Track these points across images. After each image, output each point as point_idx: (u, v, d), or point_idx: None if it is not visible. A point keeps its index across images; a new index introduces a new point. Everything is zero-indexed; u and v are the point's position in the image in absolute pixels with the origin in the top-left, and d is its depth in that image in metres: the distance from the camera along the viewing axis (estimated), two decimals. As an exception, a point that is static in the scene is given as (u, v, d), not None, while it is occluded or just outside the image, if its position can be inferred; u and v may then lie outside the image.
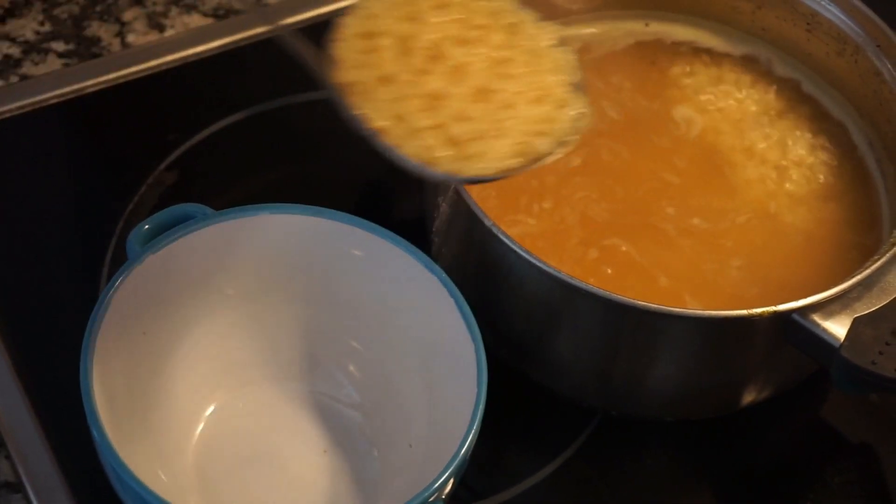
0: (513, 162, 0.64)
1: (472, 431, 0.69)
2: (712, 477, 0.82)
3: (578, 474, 0.80)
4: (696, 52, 0.91)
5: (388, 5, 0.66)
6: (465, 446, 0.69)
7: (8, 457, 0.77)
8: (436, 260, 0.75)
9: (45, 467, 0.76)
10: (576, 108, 0.65)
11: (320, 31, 0.71)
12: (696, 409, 0.80)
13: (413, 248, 0.75)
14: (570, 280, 0.72)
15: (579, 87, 0.66)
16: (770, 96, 0.89)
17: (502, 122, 0.64)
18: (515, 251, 0.72)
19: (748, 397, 0.79)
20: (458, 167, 0.63)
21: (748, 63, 0.90)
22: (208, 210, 0.76)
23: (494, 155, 0.63)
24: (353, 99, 0.64)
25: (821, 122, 0.88)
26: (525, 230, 0.80)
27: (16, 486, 0.76)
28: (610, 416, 0.82)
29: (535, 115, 0.64)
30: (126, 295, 0.72)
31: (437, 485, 0.67)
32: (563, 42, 0.66)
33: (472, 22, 0.66)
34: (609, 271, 0.79)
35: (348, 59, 0.65)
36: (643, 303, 0.71)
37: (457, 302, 0.73)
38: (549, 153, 0.65)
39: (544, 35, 0.67)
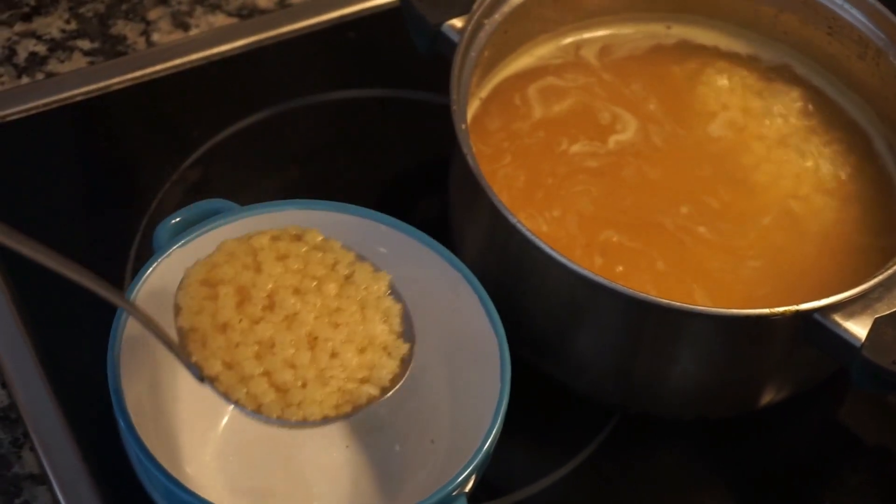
0: (334, 410, 0.68)
1: (496, 427, 0.70)
2: (730, 476, 0.82)
3: (597, 473, 0.80)
4: (718, 55, 0.91)
5: (232, 255, 0.70)
6: (488, 442, 0.69)
7: (33, 449, 0.77)
8: (458, 256, 0.75)
9: (69, 459, 0.77)
10: (399, 354, 0.69)
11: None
12: (715, 408, 0.81)
13: (437, 244, 0.75)
14: (592, 277, 0.72)
15: (405, 335, 0.70)
16: (790, 99, 0.89)
17: (326, 370, 0.68)
18: (538, 247, 0.73)
19: (766, 397, 0.79)
20: (285, 413, 0.67)
21: (769, 67, 0.91)
22: (235, 205, 0.76)
23: (316, 401, 0.67)
24: (190, 345, 0.68)
25: (841, 125, 0.88)
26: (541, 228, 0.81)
27: (41, 479, 0.77)
28: (629, 415, 0.82)
29: (358, 363, 0.68)
30: (153, 288, 0.72)
31: (458, 480, 0.68)
32: (394, 290, 0.71)
33: (309, 273, 0.70)
34: (620, 269, 0.79)
35: (190, 306, 0.68)
36: (666, 300, 0.72)
37: (481, 298, 0.73)
38: (375, 397, 0.68)
39: (377, 285, 0.71)
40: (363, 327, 0.69)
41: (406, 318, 0.71)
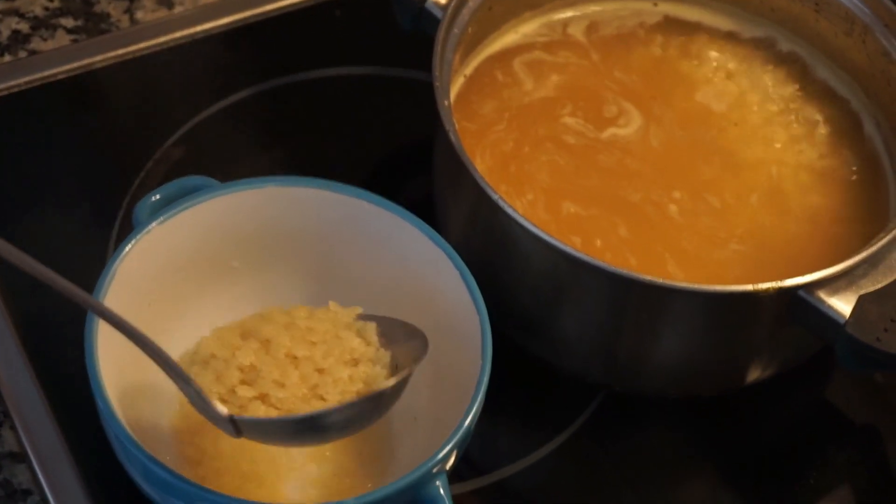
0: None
1: (476, 404, 0.69)
2: (715, 454, 0.82)
3: (582, 451, 0.80)
4: (704, 31, 0.91)
5: None
6: (469, 419, 0.69)
7: (13, 427, 0.77)
8: (442, 235, 0.75)
9: (49, 438, 0.76)
10: (384, 362, 0.70)
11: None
12: (700, 386, 0.80)
13: (420, 221, 0.75)
14: (575, 254, 0.72)
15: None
16: (777, 77, 0.89)
17: (318, 387, 0.69)
18: (521, 224, 0.73)
19: (752, 375, 0.79)
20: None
21: (756, 44, 0.90)
22: (216, 182, 0.76)
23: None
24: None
25: (828, 102, 0.88)
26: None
27: (20, 457, 0.76)
28: (614, 393, 0.82)
29: (350, 376, 0.69)
30: (132, 265, 0.72)
31: (439, 457, 0.67)
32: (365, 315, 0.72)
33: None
34: (608, 255, 0.78)
35: None
36: (648, 277, 0.72)
37: (462, 275, 0.73)
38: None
39: (347, 311, 0.72)
40: (340, 343, 0.70)
41: (386, 333, 0.71)
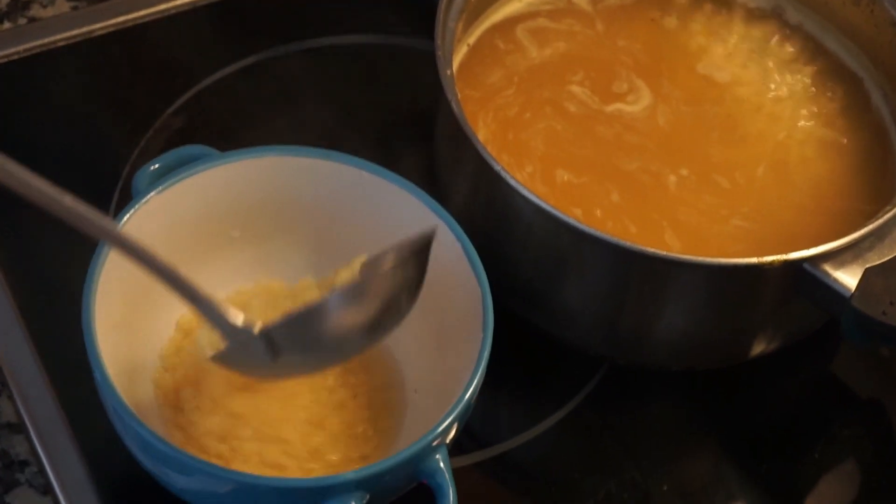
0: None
1: (477, 376, 0.69)
2: (719, 428, 0.81)
3: (585, 423, 0.80)
4: (709, 1, 0.89)
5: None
6: (469, 392, 0.68)
7: (11, 397, 0.77)
8: (444, 206, 0.74)
9: (47, 408, 0.76)
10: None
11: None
12: (704, 359, 0.80)
13: (421, 192, 0.74)
14: (578, 226, 0.71)
15: None
16: (784, 47, 0.88)
17: None
18: (524, 195, 0.72)
19: (756, 348, 0.78)
20: None
21: (762, 14, 0.89)
22: (215, 151, 0.75)
23: None
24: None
25: (835, 73, 0.87)
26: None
27: (18, 427, 0.76)
28: (617, 365, 0.81)
29: None
30: (131, 233, 0.71)
31: (439, 430, 0.67)
32: None
33: None
34: (609, 224, 0.78)
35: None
36: (652, 249, 0.71)
37: (464, 246, 0.72)
38: None
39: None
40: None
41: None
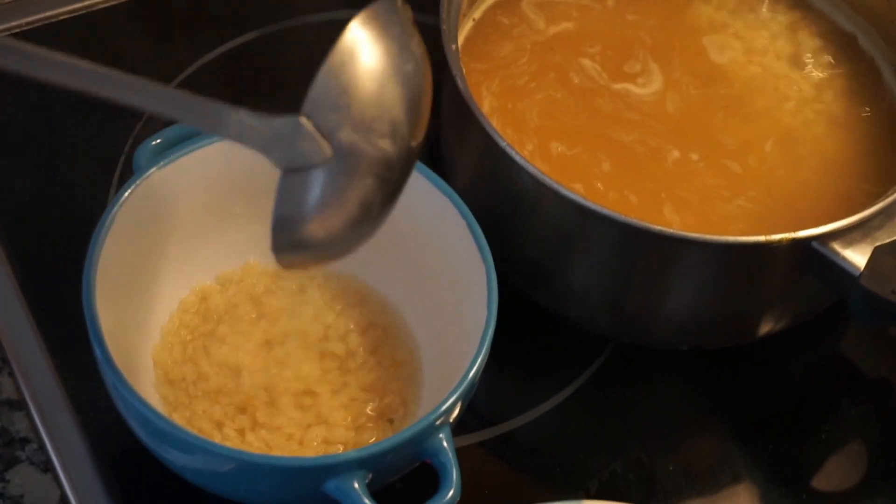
0: None
1: (481, 354, 0.68)
2: (725, 407, 0.81)
3: (591, 402, 0.79)
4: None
5: None
6: (473, 370, 0.68)
7: (11, 374, 0.76)
8: (449, 184, 0.74)
9: (48, 385, 0.76)
10: None
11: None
12: (711, 338, 0.79)
13: (425, 168, 0.74)
14: (585, 203, 0.70)
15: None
16: (795, 25, 0.87)
17: None
18: (529, 172, 0.71)
19: (764, 327, 0.78)
20: None
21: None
22: (216, 127, 0.75)
23: None
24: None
25: (847, 51, 0.86)
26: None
27: (19, 404, 0.76)
28: (623, 344, 0.81)
29: None
30: (132, 210, 0.71)
31: (442, 409, 0.66)
32: None
33: None
34: (611, 194, 0.77)
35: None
36: (659, 227, 0.70)
37: (468, 223, 0.72)
38: None
39: None
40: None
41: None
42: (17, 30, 0.90)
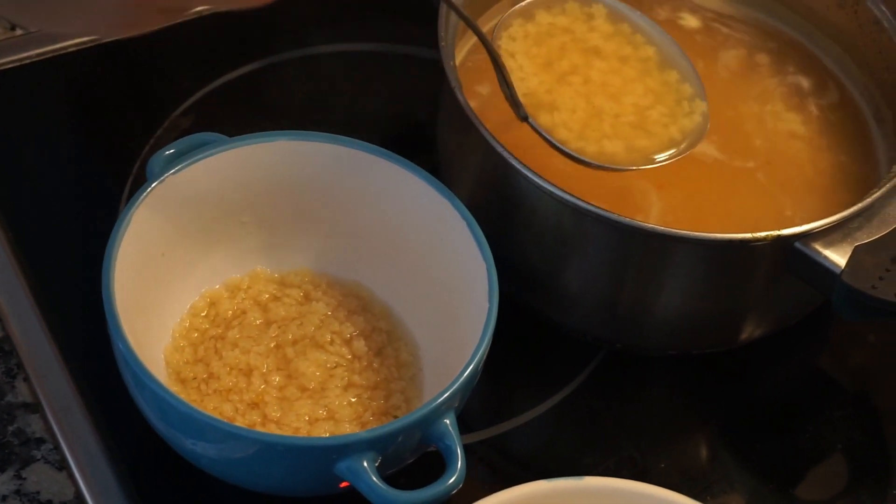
0: None
1: (484, 345, 0.71)
2: (715, 411, 0.83)
3: (583, 407, 0.82)
4: (691, 9, 0.92)
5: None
6: (476, 360, 0.70)
7: (26, 378, 0.78)
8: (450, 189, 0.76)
9: (62, 388, 0.78)
10: None
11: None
12: (700, 341, 0.82)
13: (426, 173, 0.77)
14: (579, 203, 0.73)
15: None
16: (768, 50, 0.91)
17: None
18: (526, 175, 0.74)
19: (748, 331, 0.81)
20: None
21: (748, 21, 0.92)
22: (226, 137, 0.77)
23: None
24: None
25: (819, 73, 0.90)
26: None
27: (34, 407, 0.77)
28: (615, 351, 0.83)
29: None
30: (146, 214, 0.73)
31: (448, 394, 0.69)
32: None
33: None
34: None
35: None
36: (650, 225, 0.73)
37: (468, 224, 0.75)
38: None
39: None
40: None
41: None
42: (29, 61, 0.93)
